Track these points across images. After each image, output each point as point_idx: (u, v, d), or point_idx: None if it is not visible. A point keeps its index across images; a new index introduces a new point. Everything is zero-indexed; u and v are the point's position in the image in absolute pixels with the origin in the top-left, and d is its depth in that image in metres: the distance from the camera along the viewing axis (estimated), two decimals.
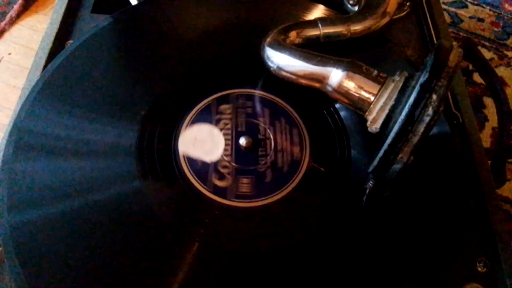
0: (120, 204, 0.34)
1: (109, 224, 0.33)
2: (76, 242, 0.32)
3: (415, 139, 0.28)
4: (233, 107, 0.40)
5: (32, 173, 0.35)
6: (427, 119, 0.27)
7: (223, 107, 0.40)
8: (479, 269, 0.35)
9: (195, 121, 0.39)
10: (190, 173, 0.36)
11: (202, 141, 0.38)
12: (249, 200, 0.36)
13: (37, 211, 0.33)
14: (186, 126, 0.38)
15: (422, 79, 0.27)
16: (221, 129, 0.39)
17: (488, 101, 0.76)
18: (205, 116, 0.39)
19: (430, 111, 0.27)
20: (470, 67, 0.68)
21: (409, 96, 0.29)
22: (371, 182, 0.35)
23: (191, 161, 0.37)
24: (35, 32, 0.80)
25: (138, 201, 0.35)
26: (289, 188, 0.36)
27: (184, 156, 0.37)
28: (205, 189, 0.36)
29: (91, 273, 0.32)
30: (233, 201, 0.36)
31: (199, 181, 0.36)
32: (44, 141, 0.36)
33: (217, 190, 0.36)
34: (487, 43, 0.85)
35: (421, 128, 0.27)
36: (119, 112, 0.39)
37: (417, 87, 0.27)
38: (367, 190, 0.36)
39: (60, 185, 0.34)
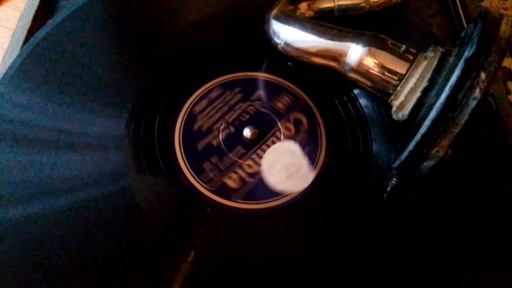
0: (109, 203, 0.31)
1: (94, 226, 0.30)
2: (53, 246, 0.29)
3: (457, 129, 0.22)
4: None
5: (6, 166, 0.31)
6: (473, 103, 0.22)
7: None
8: None
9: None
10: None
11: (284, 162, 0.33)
12: None
13: (9, 209, 0.29)
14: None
15: (467, 54, 0.22)
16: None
17: None
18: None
19: (477, 93, 0.22)
20: None
21: (448, 76, 0.23)
22: (394, 179, 0.30)
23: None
24: None
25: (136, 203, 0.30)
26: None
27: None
28: None
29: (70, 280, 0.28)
30: None
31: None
32: (17, 129, 0.33)
33: None
34: None
35: (465, 115, 0.22)
36: (106, 98, 0.35)
37: (461, 63, 0.22)
38: (389, 188, 0.30)
39: (37, 181, 0.31)
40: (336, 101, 0.36)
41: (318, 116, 0.35)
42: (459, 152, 0.33)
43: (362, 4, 0.36)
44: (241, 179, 0.32)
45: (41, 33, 0.37)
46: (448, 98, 0.22)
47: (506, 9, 0.80)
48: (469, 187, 0.33)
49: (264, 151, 0.33)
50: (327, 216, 0.31)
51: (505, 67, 0.70)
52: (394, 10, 0.39)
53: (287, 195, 0.31)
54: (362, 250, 0.31)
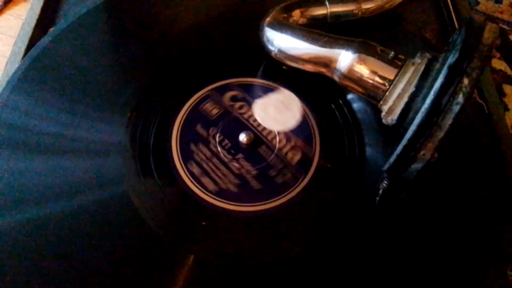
0: (108, 208, 0.31)
1: (93, 230, 0.30)
2: (53, 250, 0.29)
3: (441, 133, 0.23)
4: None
5: (7, 171, 0.32)
6: (456, 108, 0.22)
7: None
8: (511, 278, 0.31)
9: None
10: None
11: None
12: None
13: (10, 214, 0.30)
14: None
15: (450, 60, 0.23)
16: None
17: (509, 89, 0.71)
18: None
19: (460, 98, 0.22)
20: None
21: (433, 81, 0.24)
22: (385, 182, 0.30)
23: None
24: None
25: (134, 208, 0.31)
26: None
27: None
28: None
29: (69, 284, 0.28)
30: None
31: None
32: (18, 136, 0.33)
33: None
34: (505, 27, 0.79)
35: (449, 119, 0.23)
36: (106, 104, 0.36)
37: (445, 69, 0.23)
38: (380, 191, 0.31)
39: (38, 186, 0.31)
40: (330, 106, 0.36)
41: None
42: (452, 155, 0.34)
43: (355, 11, 0.37)
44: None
45: (43, 41, 0.38)
46: (432, 103, 0.23)
47: (501, 12, 0.81)
48: (461, 190, 0.34)
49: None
50: (322, 218, 0.32)
51: (500, 70, 0.70)
52: (387, 16, 0.40)
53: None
54: (357, 251, 0.31)
